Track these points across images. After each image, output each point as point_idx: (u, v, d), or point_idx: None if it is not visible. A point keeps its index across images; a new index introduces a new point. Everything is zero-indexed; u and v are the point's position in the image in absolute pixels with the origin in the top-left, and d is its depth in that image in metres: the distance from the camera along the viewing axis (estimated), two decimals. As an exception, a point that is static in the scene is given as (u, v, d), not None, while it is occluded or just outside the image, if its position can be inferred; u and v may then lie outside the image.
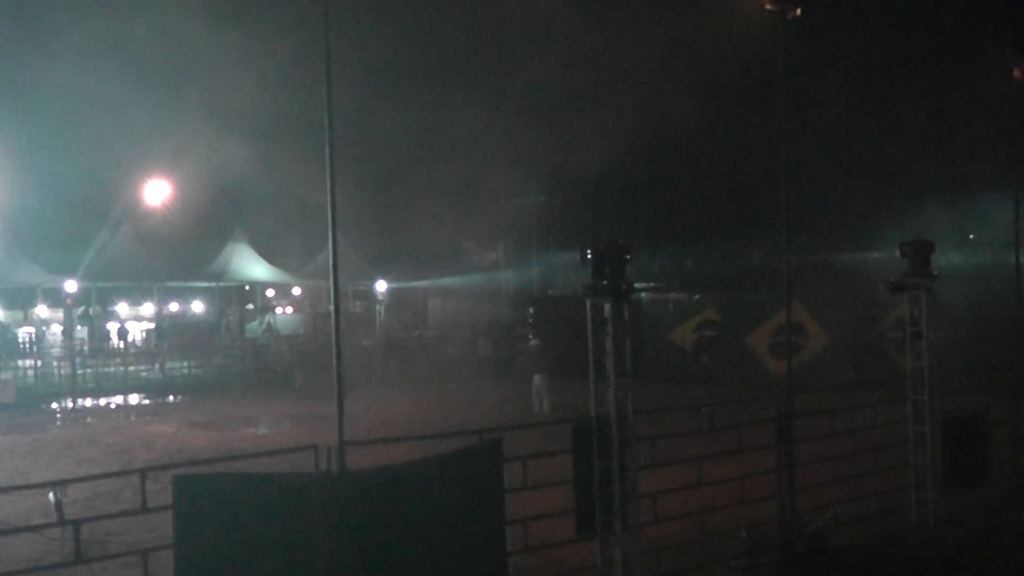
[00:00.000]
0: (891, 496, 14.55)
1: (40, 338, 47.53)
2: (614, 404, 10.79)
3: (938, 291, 14.55)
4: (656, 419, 13.29)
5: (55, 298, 49.28)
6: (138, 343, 50.03)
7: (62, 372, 36.38)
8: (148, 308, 61.75)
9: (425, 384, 35.21)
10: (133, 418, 28.98)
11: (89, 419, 28.84)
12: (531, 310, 41.68)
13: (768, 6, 13.50)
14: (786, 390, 13.41)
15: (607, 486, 10.77)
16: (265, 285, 53.89)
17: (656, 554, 11.65)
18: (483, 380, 33.46)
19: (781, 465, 12.97)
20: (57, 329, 50.40)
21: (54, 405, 32.10)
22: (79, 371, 35.04)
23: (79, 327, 44.53)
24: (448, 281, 51.76)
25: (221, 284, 49.34)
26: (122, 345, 47.35)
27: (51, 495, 10.82)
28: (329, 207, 10.13)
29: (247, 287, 52.68)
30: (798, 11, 13.55)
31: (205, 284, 52.25)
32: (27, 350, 44.56)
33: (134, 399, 33.89)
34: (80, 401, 32.37)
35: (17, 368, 36.41)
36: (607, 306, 10.83)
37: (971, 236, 40.39)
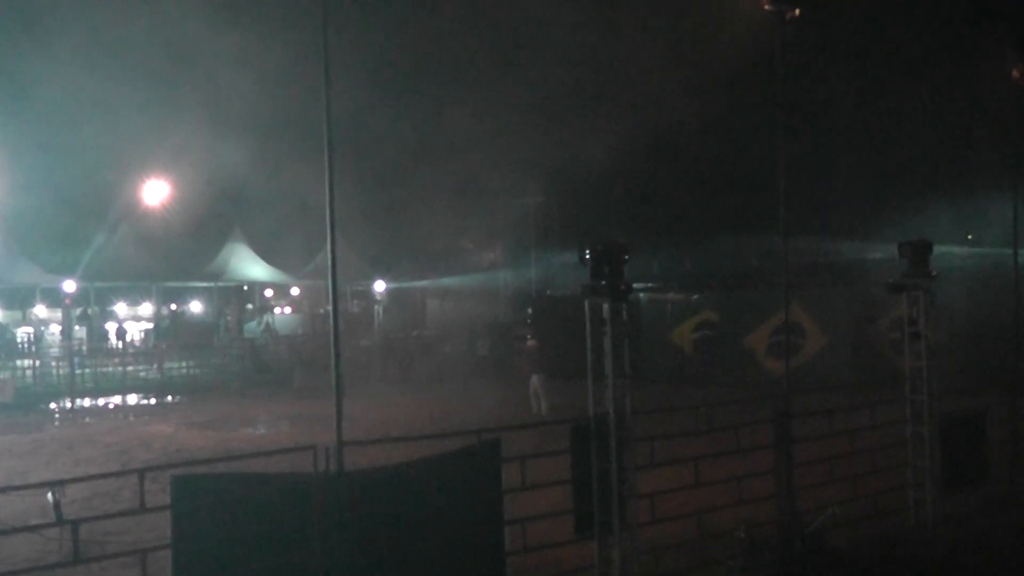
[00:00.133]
0: (889, 496, 14.55)
1: (38, 338, 47.53)
2: (612, 404, 10.80)
3: (936, 291, 14.55)
4: (654, 419, 13.30)
5: (54, 298, 49.30)
6: (136, 343, 50.00)
7: (60, 372, 36.37)
8: (147, 308, 61.74)
9: (423, 384, 35.20)
10: (131, 418, 28.95)
11: (87, 419, 28.82)
12: (530, 310, 41.68)
13: (767, 6, 13.50)
14: (784, 390, 13.42)
15: (605, 486, 10.77)
16: (264, 285, 53.91)
17: (654, 554, 11.65)
18: (481, 380, 33.44)
19: (779, 465, 12.97)
20: (56, 329, 50.42)
21: (52, 405, 32.07)
22: (77, 371, 35.03)
23: (77, 327, 44.53)
24: (447, 281, 51.78)
25: (220, 284, 49.36)
26: (120, 345, 47.34)
27: (49, 495, 10.82)
28: (328, 207, 10.12)
29: (246, 287, 52.71)
30: (796, 11, 13.56)
31: (204, 284, 52.27)
32: (25, 350, 44.54)
33: (132, 399, 33.87)
34: (78, 401, 32.35)
35: (15, 368, 36.38)
36: (605, 306, 10.83)
37: (969, 236, 40.39)
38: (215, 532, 8.85)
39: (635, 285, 11.47)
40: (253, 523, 8.97)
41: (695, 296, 35.87)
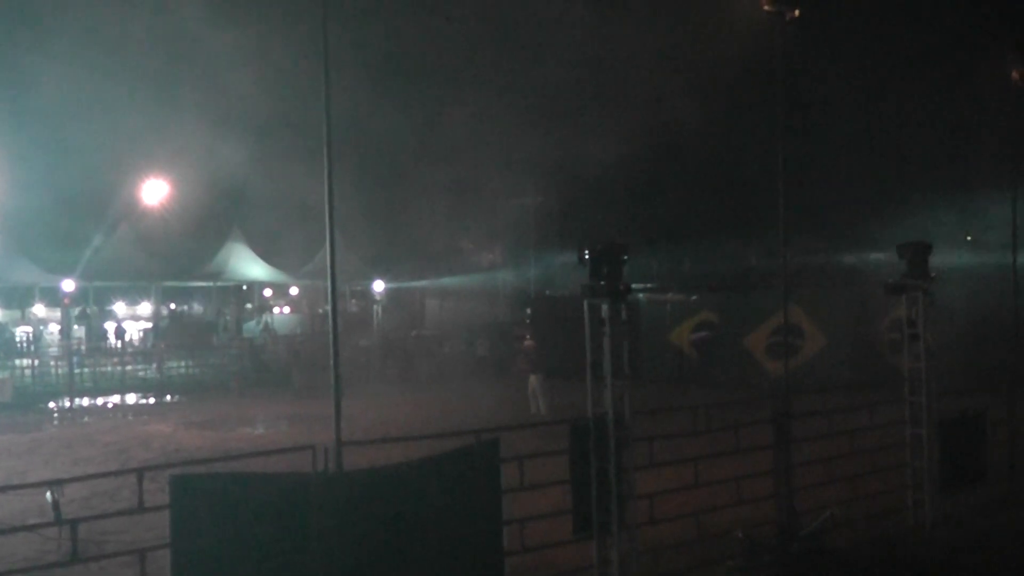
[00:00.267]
0: (888, 497, 14.56)
1: (37, 337, 47.46)
2: (611, 405, 10.80)
3: (935, 292, 14.56)
4: (654, 420, 13.30)
5: (52, 297, 49.27)
6: (135, 343, 49.98)
7: (59, 371, 36.36)
8: (145, 307, 61.71)
9: (422, 384, 35.21)
10: (130, 418, 28.95)
11: (86, 418, 28.81)
12: (529, 310, 41.67)
13: (766, 7, 13.51)
14: (784, 391, 13.42)
15: (604, 487, 10.77)
16: (263, 285, 53.88)
17: (653, 555, 11.65)
18: (480, 380, 33.43)
19: (778, 466, 12.98)
20: (54, 328, 50.38)
21: (51, 404, 32.07)
22: (76, 370, 35.03)
23: (76, 326, 44.50)
24: (446, 281, 51.77)
25: (219, 284, 49.37)
26: (119, 345, 47.29)
27: (48, 494, 10.85)
28: (327, 207, 10.13)
29: (245, 287, 52.69)
30: (796, 12, 13.57)
31: (203, 284, 52.27)
32: (24, 349, 44.49)
33: (131, 399, 33.86)
34: (77, 400, 32.35)
35: (14, 367, 36.37)
36: (605, 307, 10.83)
37: (968, 237, 40.40)
38: (214, 532, 8.84)
39: (634, 286, 11.48)
40: (252, 523, 8.97)
41: (694, 297, 35.87)
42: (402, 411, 26.96)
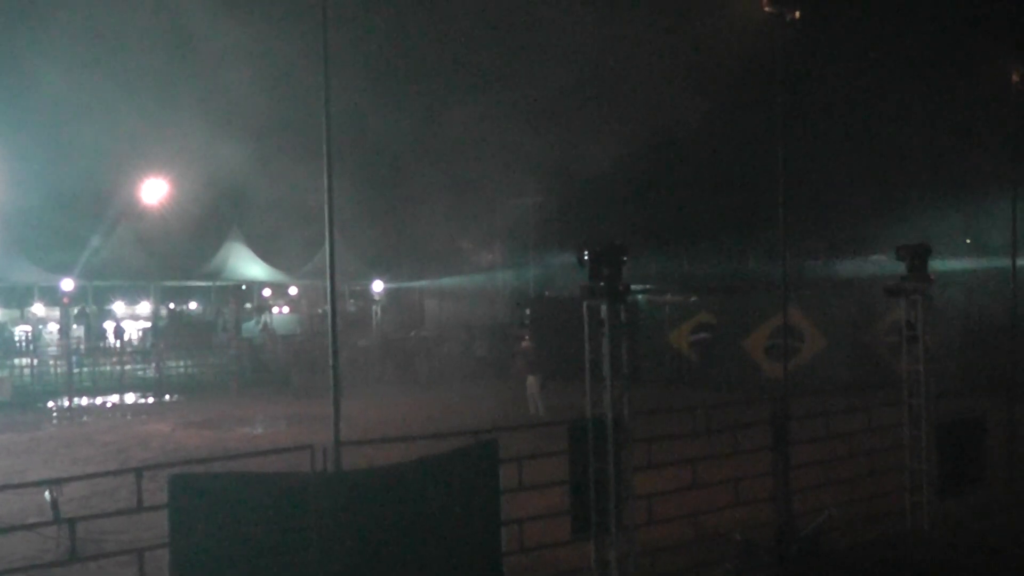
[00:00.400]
0: (886, 499, 14.56)
1: (36, 337, 47.41)
2: (610, 406, 10.80)
3: (935, 295, 14.56)
4: (652, 421, 13.30)
5: (52, 297, 49.19)
6: (134, 342, 49.95)
7: (58, 371, 36.35)
8: (144, 307, 61.68)
9: (421, 385, 35.21)
10: (129, 417, 28.95)
11: (85, 418, 28.82)
12: (528, 311, 41.65)
13: (767, 8, 13.52)
14: (782, 393, 13.42)
15: (603, 487, 10.77)
16: (262, 285, 53.84)
17: (651, 556, 11.66)
18: (479, 381, 33.45)
19: (776, 468, 12.98)
20: (54, 328, 50.33)
21: (50, 404, 32.07)
22: (75, 370, 35.02)
23: (75, 326, 44.49)
24: (445, 282, 51.74)
25: (218, 283, 49.32)
26: (118, 344, 47.26)
27: (47, 493, 10.84)
28: (326, 207, 10.13)
29: (244, 287, 52.61)
30: (796, 13, 13.58)
31: (202, 283, 52.23)
32: (23, 348, 44.47)
33: (130, 398, 33.86)
34: (76, 400, 32.33)
35: (13, 366, 36.38)
36: (604, 307, 10.83)
37: (968, 240, 40.41)
38: (212, 531, 8.85)
39: (633, 287, 11.47)
40: (250, 522, 8.97)
41: (693, 298, 35.88)
42: (401, 411, 26.95)
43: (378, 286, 46.79)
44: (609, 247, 10.93)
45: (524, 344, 28.84)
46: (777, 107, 14.16)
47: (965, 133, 39.07)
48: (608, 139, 38.01)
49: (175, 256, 46.44)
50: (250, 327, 48.49)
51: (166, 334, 46.21)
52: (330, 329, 10.44)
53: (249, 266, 46.67)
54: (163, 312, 57.30)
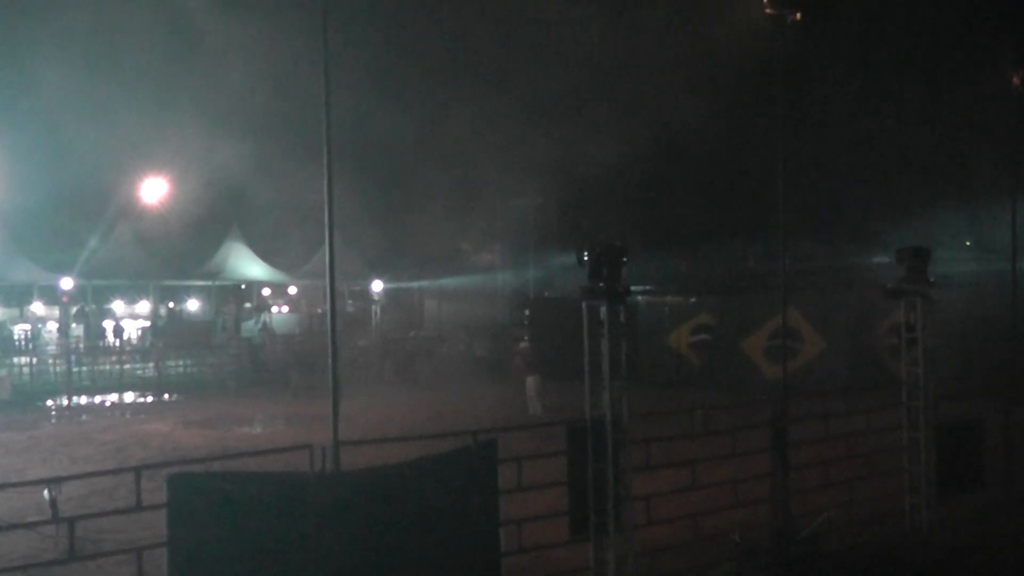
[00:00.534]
0: (885, 501, 14.56)
1: (36, 335, 47.45)
2: (609, 406, 10.80)
3: (934, 297, 14.56)
4: (651, 422, 13.31)
5: (51, 296, 49.14)
6: (134, 341, 49.94)
7: (58, 370, 36.35)
8: (144, 306, 61.68)
9: (420, 385, 35.20)
10: (128, 416, 28.95)
11: (84, 417, 28.82)
12: (527, 312, 41.66)
13: (768, 10, 13.52)
14: (781, 394, 13.42)
15: (601, 488, 10.78)
16: (261, 284, 53.79)
17: (649, 556, 11.66)
18: (479, 381, 33.45)
19: (775, 469, 12.98)
20: (53, 327, 50.32)
21: (49, 402, 32.07)
22: (74, 369, 35.03)
23: (75, 325, 44.49)
24: (445, 282, 51.73)
25: (217, 283, 49.28)
26: (118, 343, 47.28)
27: (46, 492, 10.85)
28: (326, 206, 10.13)
29: (243, 286, 52.60)
30: (798, 15, 13.58)
31: (201, 283, 52.18)
32: (23, 347, 44.49)
33: (129, 397, 33.86)
34: (75, 399, 32.34)
35: (13, 365, 36.38)
36: (603, 308, 10.84)
37: (968, 242, 40.43)
38: (211, 531, 8.85)
39: (633, 288, 11.48)
40: (249, 522, 8.98)
41: (693, 299, 35.86)
42: (400, 411, 26.96)
43: (378, 286, 46.76)
44: (609, 248, 10.93)
45: (523, 344, 28.85)
46: (777, 108, 14.16)
47: (966, 134, 39.08)
48: (608, 140, 38.02)
49: (175, 255, 46.40)
50: (249, 327, 48.49)
51: (165, 333, 46.22)
52: (329, 329, 10.43)
53: (249, 266, 46.63)
54: (162, 311, 57.32)
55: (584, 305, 11.01)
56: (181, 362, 39.70)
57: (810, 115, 37.79)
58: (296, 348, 39.90)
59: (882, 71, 41.85)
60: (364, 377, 35.18)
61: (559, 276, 46.15)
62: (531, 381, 26.26)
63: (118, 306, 64.87)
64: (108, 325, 54.91)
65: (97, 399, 33.16)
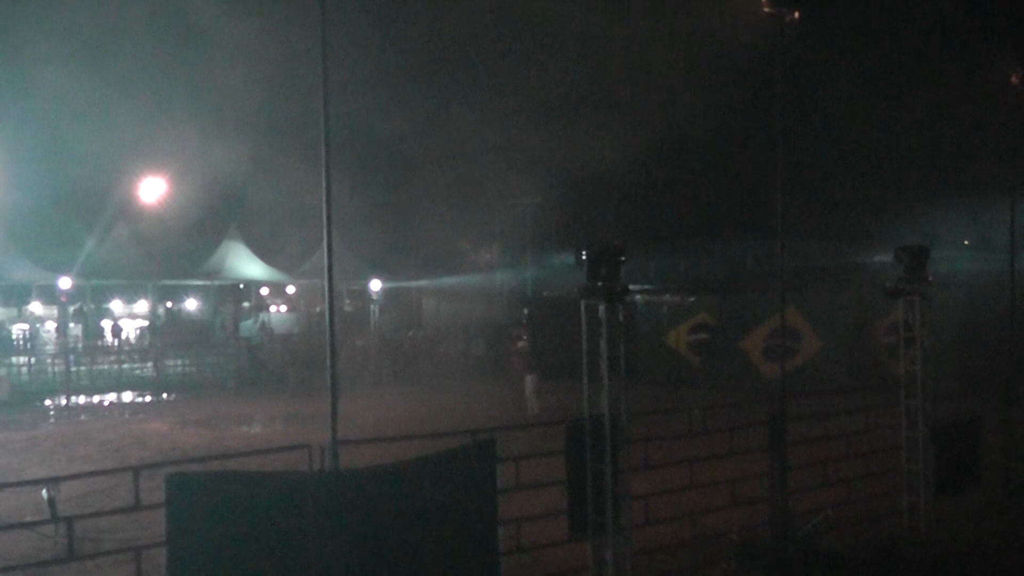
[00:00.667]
0: (883, 500, 14.59)
1: (34, 335, 47.41)
2: (608, 406, 10.81)
3: (933, 296, 14.58)
4: (650, 421, 13.31)
5: (49, 295, 49.12)
6: (132, 341, 49.89)
7: (56, 369, 36.29)
8: (142, 306, 61.66)
9: (419, 384, 35.20)
10: (127, 416, 28.93)
11: (83, 416, 28.80)
12: (526, 311, 41.66)
13: (766, 8, 13.53)
14: (780, 393, 13.43)
15: (600, 487, 10.78)
16: (260, 284, 53.79)
17: (648, 556, 11.67)
18: (477, 381, 33.46)
19: (773, 468, 12.99)
20: (51, 326, 50.29)
21: (48, 402, 32.05)
22: (73, 368, 34.96)
23: (73, 324, 44.43)
24: (443, 281, 51.73)
25: (216, 282, 49.27)
26: (116, 343, 47.23)
27: (44, 492, 10.83)
28: (324, 206, 10.13)
29: (242, 285, 52.60)
30: (796, 14, 13.59)
31: (200, 282, 52.16)
32: (21, 347, 44.45)
33: (128, 397, 33.83)
34: (74, 398, 32.29)
35: (11, 365, 36.32)
36: (602, 307, 10.84)
37: (966, 242, 40.42)
38: (209, 530, 8.85)
39: (631, 287, 11.47)
40: (247, 521, 8.98)
41: (691, 298, 35.86)
42: (398, 411, 26.96)
43: (376, 285, 46.76)
44: (607, 247, 10.94)
45: (521, 344, 28.85)
46: (776, 108, 14.17)
47: (965, 133, 39.09)
48: (607, 139, 38.02)
49: (173, 255, 46.39)
50: (248, 326, 48.45)
51: (164, 333, 46.20)
52: (328, 328, 10.43)
53: (247, 265, 46.62)
54: (161, 311, 57.30)
55: (583, 304, 11.02)
56: (179, 362, 39.65)
57: (809, 114, 37.77)
58: (294, 347, 39.86)
59: (881, 70, 41.86)
60: (362, 376, 35.18)
61: (558, 275, 46.10)
62: (529, 380, 26.26)
63: (116, 306, 64.87)
64: (106, 325, 54.85)
65: (95, 399, 33.13)
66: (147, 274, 45.87)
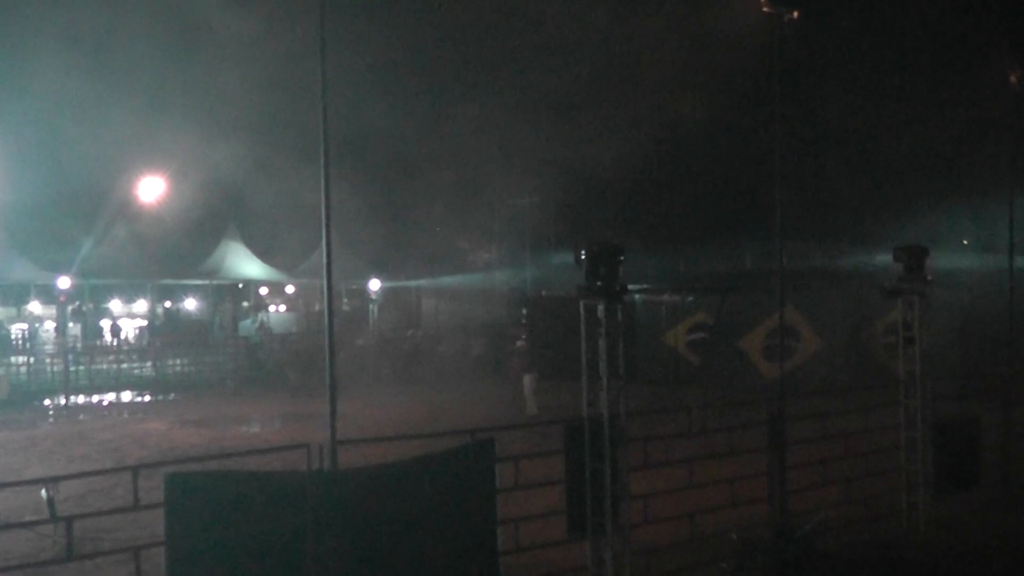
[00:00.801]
0: (882, 500, 14.59)
1: (33, 335, 47.38)
2: (607, 405, 10.81)
3: (932, 296, 14.58)
4: (648, 421, 13.32)
5: (48, 295, 49.14)
6: (131, 340, 49.88)
7: (55, 369, 36.25)
8: (141, 305, 61.65)
9: (418, 384, 35.19)
10: (126, 415, 28.93)
11: (82, 416, 28.78)
12: (525, 311, 41.66)
13: (765, 8, 13.53)
14: (778, 393, 13.44)
15: (599, 487, 10.78)
16: (259, 283, 53.78)
17: (646, 555, 11.67)
18: (476, 380, 33.45)
19: (772, 468, 12.99)
20: (50, 326, 50.27)
21: (47, 402, 32.03)
22: (72, 368, 34.94)
23: (72, 324, 44.41)
24: (442, 281, 51.72)
25: (215, 282, 49.26)
26: (115, 342, 47.20)
27: (43, 492, 10.82)
28: (323, 206, 10.13)
29: (241, 285, 52.59)
30: (795, 14, 13.60)
31: (199, 282, 52.14)
32: (20, 347, 44.42)
33: (127, 396, 33.82)
34: (73, 398, 32.28)
35: (10, 365, 36.29)
36: (600, 307, 10.84)
37: (965, 241, 40.42)
38: (209, 530, 8.85)
39: (630, 286, 11.47)
40: (246, 521, 8.98)
41: (690, 298, 35.86)
42: (397, 410, 26.95)
43: (375, 285, 46.75)
44: (606, 246, 10.94)
45: (520, 343, 28.84)
46: (775, 107, 14.17)
47: (965, 133, 39.09)
48: (606, 139, 38.04)
49: (172, 254, 46.39)
50: (247, 326, 48.41)
51: (163, 332, 46.18)
52: (327, 328, 10.43)
53: (246, 264, 46.62)
54: (160, 310, 57.29)
55: (582, 304, 11.02)
56: (178, 361, 39.63)
57: (809, 114, 37.78)
58: (293, 347, 39.87)
59: (881, 70, 41.86)
60: (362, 376, 35.15)
61: (557, 275, 46.10)
62: (528, 380, 26.26)
63: (115, 305, 64.84)
64: (105, 324, 54.82)
65: (94, 398, 33.12)
66: (146, 274, 45.88)
